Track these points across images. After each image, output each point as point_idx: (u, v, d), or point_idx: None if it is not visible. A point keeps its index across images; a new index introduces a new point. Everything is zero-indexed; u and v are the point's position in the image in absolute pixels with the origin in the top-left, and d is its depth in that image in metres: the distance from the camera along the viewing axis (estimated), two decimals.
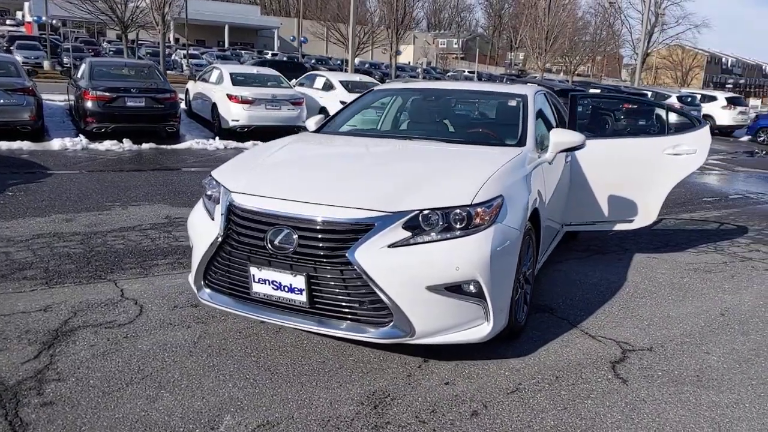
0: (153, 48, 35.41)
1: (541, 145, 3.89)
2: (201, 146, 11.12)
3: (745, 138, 20.21)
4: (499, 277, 2.78)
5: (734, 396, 2.82)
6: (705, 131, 4.85)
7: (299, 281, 2.71)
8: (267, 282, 2.79)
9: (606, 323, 3.64)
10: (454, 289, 2.68)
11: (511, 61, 70.38)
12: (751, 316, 3.89)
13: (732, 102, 20.84)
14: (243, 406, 2.55)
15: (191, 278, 3.25)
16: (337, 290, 2.68)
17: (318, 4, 53.49)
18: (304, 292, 2.71)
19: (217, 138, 11.60)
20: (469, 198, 2.77)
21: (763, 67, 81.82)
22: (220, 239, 2.91)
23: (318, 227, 2.68)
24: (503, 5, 75.04)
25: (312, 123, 4.48)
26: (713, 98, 20.47)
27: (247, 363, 2.95)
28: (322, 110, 13.52)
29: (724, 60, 77.63)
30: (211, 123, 12.63)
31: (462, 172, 3.09)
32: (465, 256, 2.66)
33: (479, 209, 2.75)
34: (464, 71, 55.47)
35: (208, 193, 3.24)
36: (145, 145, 10.43)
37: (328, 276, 2.67)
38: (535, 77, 44.87)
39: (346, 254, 2.62)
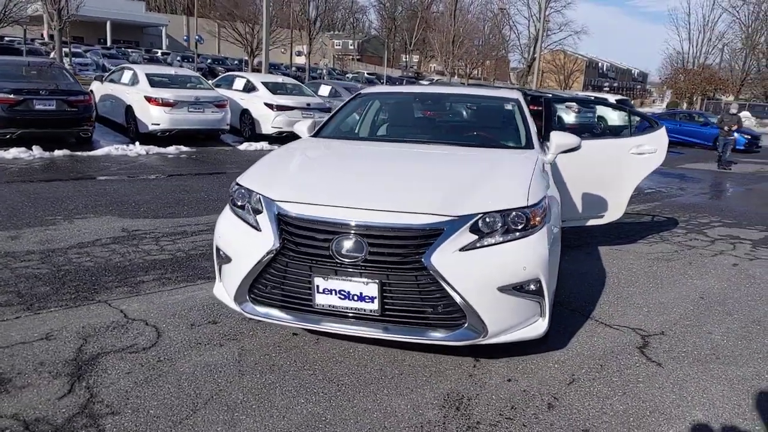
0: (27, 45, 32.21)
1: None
2: (121, 152, 10.34)
3: None
4: (552, 274, 2.92)
5: (753, 369, 3.16)
6: (662, 132, 5.34)
7: (371, 289, 2.67)
8: (333, 292, 2.72)
9: (613, 312, 3.91)
10: (519, 288, 2.77)
11: (406, 64, 72.06)
12: (725, 298, 4.36)
13: (621, 104, 22.90)
14: (331, 421, 2.47)
15: (227, 293, 3.07)
16: (411, 295, 2.67)
17: (207, 2, 51.43)
18: (376, 300, 2.67)
19: (137, 143, 10.86)
20: (524, 200, 2.87)
21: (632, 71, 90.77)
22: (275, 251, 2.78)
23: (391, 234, 2.66)
24: (396, 8, 76.62)
25: (304, 128, 4.38)
26: (605, 100, 22.34)
27: (306, 377, 2.85)
28: (245, 113, 13.13)
29: (600, 65, 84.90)
30: (125, 127, 11.81)
31: (504, 175, 3.19)
32: (529, 256, 2.76)
33: (534, 210, 2.86)
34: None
35: (239, 203, 3.08)
36: (57, 152, 9.53)
37: (402, 282, 2.65)
38: (433, 79, 46.27)
39: (422, 259, 2.62)
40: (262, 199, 2.96)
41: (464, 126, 4.63)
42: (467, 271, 2.64)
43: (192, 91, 11.78)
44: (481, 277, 2.66)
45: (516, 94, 4.61)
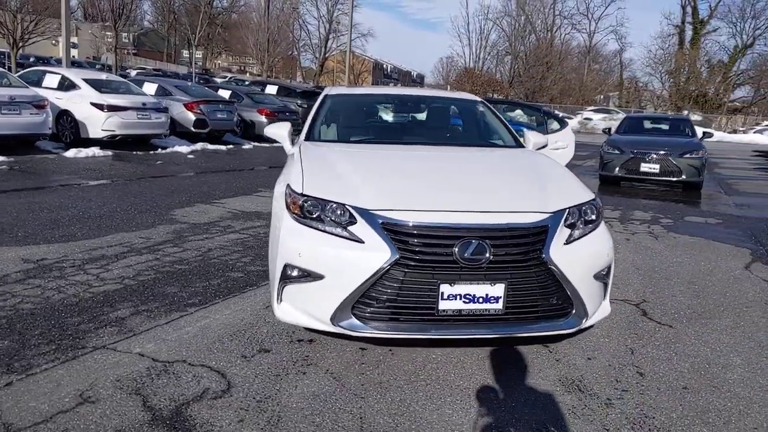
0: None
1: None
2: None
3: None
4: None
5: (754, 324, 3.90)
6: (569, 129, 6.13)
7: (497, 290, 2.70)
8: (458, 297, 2.68)
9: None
10: (604, 274, 3.06)
11: (191, 60, 68.11)
12: (651, 267, 5.24)
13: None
14: (497, 426, 2.46)
15: (310, 314, 2.82)
16: (532, 291, 2.77)
17: None
18: (501, 300, 2.72)
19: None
20: (590, 194, 3.17)
21: (412, 73, 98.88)
22: (393, 262, 2.64)
23: (510, 234, 2.72)
24: (174, 1, 71.76)
25: (284, 132, 4.11)
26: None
27: (433, 389, 2.76)
28: (64, 114, 11.34)
29: (385, 66, 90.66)
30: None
31: (553, 174, 3.43)
32: (605, 243, 3.06)
33: (597, 201, 3.18)
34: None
35: (315, 215, 2.84)
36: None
37: (524, 279, 2.74)
38: (227, 77, 44.64)
39: (543, 255, 2.74)
40: (353, 209, 2.77)
41: (454, 127, 4.77)
42: (574, 263, 2.83)
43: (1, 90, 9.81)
44: (583, 266, 2.88)
45: (475, 97, 4.90)
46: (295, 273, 2.86)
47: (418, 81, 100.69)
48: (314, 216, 2.86)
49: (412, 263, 2.65)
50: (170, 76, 32.88)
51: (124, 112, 11.35)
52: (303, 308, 2.87)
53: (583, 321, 2.93)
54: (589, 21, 51.36)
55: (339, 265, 2.71)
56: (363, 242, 2.70)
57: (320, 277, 2.76)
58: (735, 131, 40.32)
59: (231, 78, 44.64)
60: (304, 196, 2.93)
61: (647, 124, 12.74)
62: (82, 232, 5.43)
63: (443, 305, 2.69)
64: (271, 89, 19.21)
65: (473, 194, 2.96)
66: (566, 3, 63.45)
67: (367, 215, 2.74)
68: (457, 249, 2.65)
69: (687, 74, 47.68)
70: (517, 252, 2.73)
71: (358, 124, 4.62)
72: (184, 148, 12.56)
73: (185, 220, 6.20)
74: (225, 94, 16.14)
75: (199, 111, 13.56)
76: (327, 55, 55.31)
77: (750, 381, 3.01)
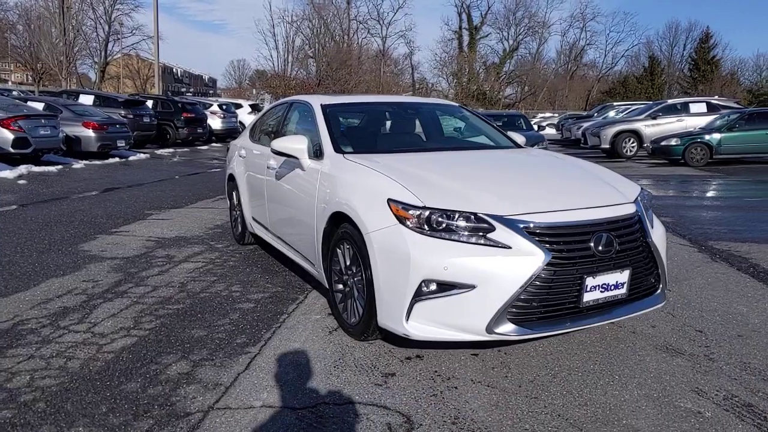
0: None
1: None
2: None
3: None
4: None
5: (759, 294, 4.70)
6: None
7: (624, 276, 2.94)
8: (597, 288, 2.86)
9: None
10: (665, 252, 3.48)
11: None
12: None
13: (255, 108, 24.09)
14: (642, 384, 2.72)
15: (459, 326, 2.76)
16: (643, 274, 3.06)
17: None
18: (626, 285, 2.96)
19: None
20: (636, 183, 3.59)
21: (203, 77, 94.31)
22: (546, 263, 2.72)
23: (626, 224, 2.99)
24: None
25: (303, 146, 3.87)
26: (239, 105, 23.14)
27: (581, 375, 2.89)
28: None
29: (175, 70, 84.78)
30: None
31: (592, 168, 3.76)
32: (660, 225, 3.50)
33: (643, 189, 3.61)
34: None
35: (443, 226, 2.80)
36: None
37: (639, 263, 3.02)
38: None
39: (647, 239, 3.06)
40: (489, 217, 2.79)
41: (462, 132, 4.84)
42: (660, 243, 3.21)
43: None
44: (662, 246, 3.27)
45: (454, 103, 5.09)
46: (432, 287, 2.78)
47: (211, 85, 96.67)
48: (442, 227, 2.80)
49: (561, 262, 2.77)
50: None
51: None
52: (444, 322, 2.79)
53: (665, 295, 3.34)
54: (380, 26, 54.64)
55: (491, 273, 2.71)
56: (510, 248, 2.74)
57: (470, 287, 2.72)
58: None
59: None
60: (428, 208, 2.85)
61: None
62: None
63: (587, 297, 2.86)
64: (86, 99, 16.99)
65: (570, 193, 3.16)
66: (360, 8, 66.50)
67: (505, 221, 2.78)
68: (592, 243, 2.84)
69: (468, 75, 53.51)
70: (633, 239, 3.01)
71: (375, 133, 4.50)
72: (7, 173, 10.58)
73: (109, 255, 5.36)
74: (37, 106, 13.87)
75: (17, 128, 11.50)
76: (108, 60, 50.21)
77: None
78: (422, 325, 2.83)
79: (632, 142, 16.64)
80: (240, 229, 5.80)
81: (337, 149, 3.83)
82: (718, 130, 14.06)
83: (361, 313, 3.22)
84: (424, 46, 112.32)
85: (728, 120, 14.24)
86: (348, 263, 3.37)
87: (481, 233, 2.77)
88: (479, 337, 2.78)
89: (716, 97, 19.21)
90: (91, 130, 13.80)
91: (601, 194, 3.17)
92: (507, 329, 2.75)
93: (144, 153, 16.53)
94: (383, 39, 54.72)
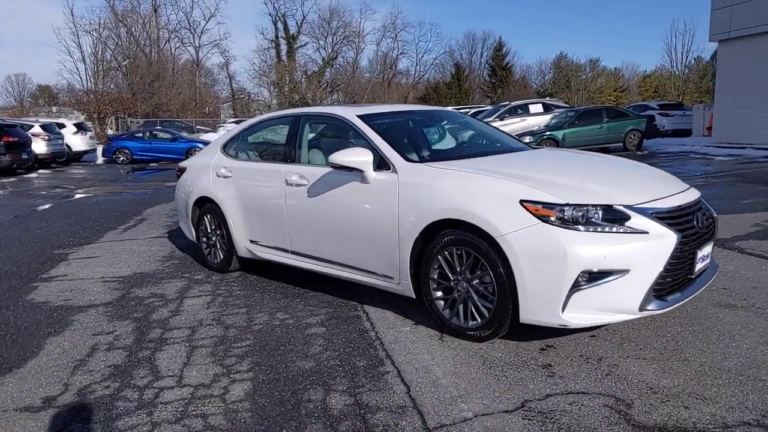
0: None
1: None
2: None
3: (102, 160, 21.51)
4: None
5: None
6: None
7: (710, 247, 3.47)
8: (701, 259, 3.35)
9: None
10: None
11: None
12: None
13: (80, 128, 21.42)
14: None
15: (614, 308, 3.04)
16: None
17: None
18: (710, 255, 3.49)
19: None
20: None
21: None
22: (679, 242, 3.11)
23: (702, 204, 3.53)
24: None
25: (369, 159, 3.80)
26: (63, 125, 20.37)
27: (692, 333, 3.32)
28: None
29: None
30: None
31: (632, 167, 4.23)
32: None
33: None
34: None
35: (584, 219, 3.05)
36: None
37: (714, 235, 3.58)
38: None
39: (714, 216, 3.63)
40: (623, 207, 3.11)
41: (483, 136, 4.95)
42: None
43: None
44: None
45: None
46: (586, 278, 3.01)
47: None
48: (585, 221, 3.05)
49: (684, 239, 3.19)
50: None
51: None
52: (599, 307, 3.03)
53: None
54: (192, 35, 52.06)
55: (641, 256, 3.02)
56: (647, 233, 3.08)
57: (624, 272, 3.00)
58: None
59: None
60: (570, 205, 3.07)
61: None
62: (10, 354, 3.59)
63: (697, 267, 3.33)
64: None
65: (656, 182, 3.61)
66: (170, 17, 62.57)
67: (636, 209, 3.12)
68: (695, 221, 3.32)
69: (289, 84, 53.62)
70: (710, 216, 3.57)
71: (420, 140, 4.48)
72: None
73: (83, 303, 4.70)
74: None
75: None
76: None
77: None
78: (578, 314, 3.04)
79: None
80: (222, 256, 5.35)
81: (407, 159, 3.83)
82: (561, 126, 16.25)
83: (489, 314, 3.31)
84: (241, 55, 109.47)
85: (567, 117, 16.53)
86: (460, 268, 3.42)
87: (620, 222, 3.07)
88: (631, 316, 3.08)
89: (548, 98, 22.00)
90: None
91: (674, 182, 3.68)
92: (653, 305, 3.09)
93: None
94: (196, 49, 52.30)
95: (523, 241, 3.09)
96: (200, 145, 21.96)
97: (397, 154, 3.86)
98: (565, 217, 3.05)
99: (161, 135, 22.49)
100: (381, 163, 3.88)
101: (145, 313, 4.34)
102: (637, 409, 2.61)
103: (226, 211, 5.13)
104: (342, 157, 3.84)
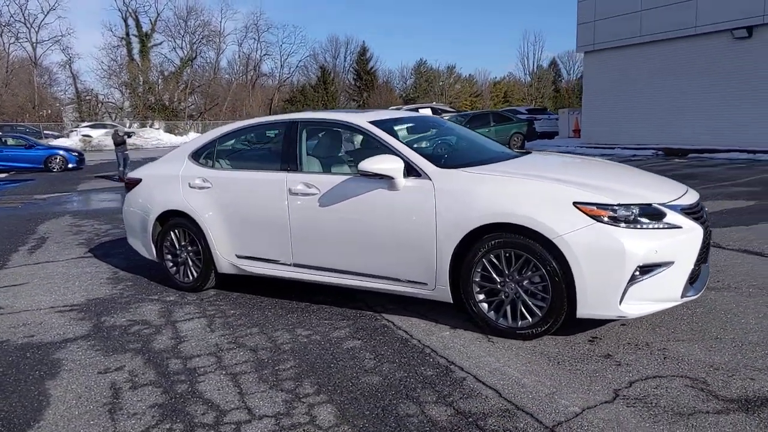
0: None
1: None
2: None
3: None
4: None
5: None
6: None
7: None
8: (708, 248, 3.78)
9: None
10: None
11: None
12: None
13: None
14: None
15: (662, 298, 3.34)
16: None
17: None
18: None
19: None
20: None
21: None
22: (704, 233, 3.50)
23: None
24: None
25: (400, 166, 3.77)
26: None
27: (717, 315, 3.74)
28: None
29: None
30: None
31: (636, 170, 4.60)
32: None
33: None
34: None
35: (626, 218, 3.32)
36: None
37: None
38: None
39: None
40: (660, 206, 3.44)
41: (477, 143, 4.98)
42: None
43: None
44: None
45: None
46: (640, 271, 3.28)
47: None
48: (631, 219, 3.32)
49: (706, 231, 3.60)
50: None
51: None
52: (650, 297, 3.31)
53: None
54: (29, 29, 46.40)
55: (681, 248, 3.36)
56: (681, 227, 3.43)
57: (670, 263, 3.32)
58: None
59: None
60: (621, 205, 3.32)
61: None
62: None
63: (707, 256, 3.76)
64: None
65: (663, 183, 3.97)
66: (2, 8, 55.07)
67: (669, 207, 3.45)
68: (705, 216, 3.75)
69: (143, 85, 49.99)
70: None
71: (439, 146, 4.45)
72: None
73: (54, 339, 4.14)
74: None
75: None
76: None
77: None
78: (634, 305, 3.30)
79: None
80: (196, 273, 4.94)
81: (438, 165, 3.86)
82: None
83: (542, 312, 3.46)
84: (86, 53, 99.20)
85: (458, 122, 17.42)
86: (508, 270, 3.53)
87: (658, 219, 3.39)
88: (675, 303, 3.41)
89: (434, 102, 22.89)
90: None
91: (675, 182, 4.09)
92: (691, 292, 3.46)
93: None
94: (33, 45, 46.74)
95: (581, 241, 3.28)
96: (61, 152, 19.76)
97: (426, 161, 3.87)
98: (618, 217, 3.29)
99: (12, 141, 19.78)
100: (409, 170, 3.86)
101: (142, 343, 3.88)
102: (714, 386, 2.91)
103: (205, 225, 4.74)
104: (373, 164, 3.76)
